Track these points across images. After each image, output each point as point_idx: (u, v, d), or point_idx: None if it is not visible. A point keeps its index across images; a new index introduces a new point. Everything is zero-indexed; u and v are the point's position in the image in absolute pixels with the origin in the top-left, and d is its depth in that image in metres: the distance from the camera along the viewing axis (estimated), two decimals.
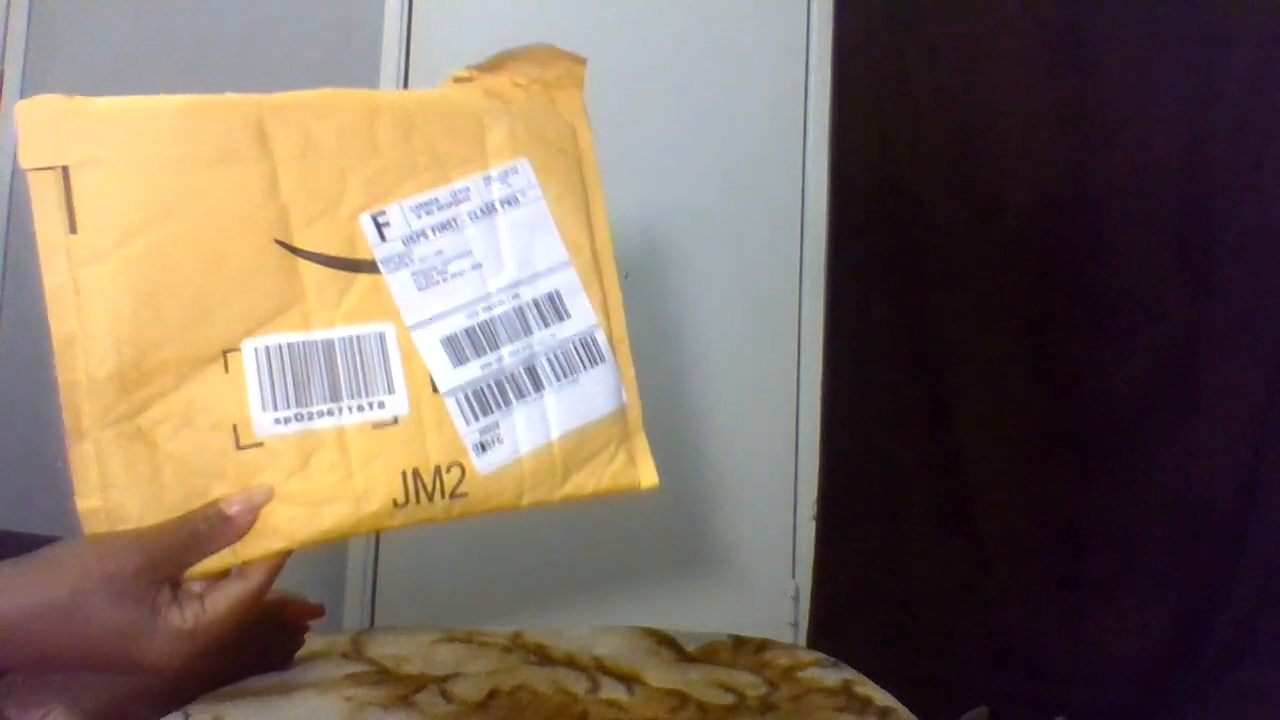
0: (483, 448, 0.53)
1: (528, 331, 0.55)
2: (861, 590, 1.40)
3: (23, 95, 1.62)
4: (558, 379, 0.56)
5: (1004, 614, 1.30)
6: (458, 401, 0.53)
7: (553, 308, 0.57)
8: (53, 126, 0.47)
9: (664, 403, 1.50)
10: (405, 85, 1.46)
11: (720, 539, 1.47)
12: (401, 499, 0.51)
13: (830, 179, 1.49)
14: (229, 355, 0.48)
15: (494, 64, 0.60)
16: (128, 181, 0.48)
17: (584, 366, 0.57)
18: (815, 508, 1.46)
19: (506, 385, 0.54)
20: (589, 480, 0.57)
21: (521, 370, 0.55)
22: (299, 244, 0.51)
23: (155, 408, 0.47)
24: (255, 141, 0.51)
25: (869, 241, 1.44)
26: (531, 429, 0.55)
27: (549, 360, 0.56)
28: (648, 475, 0.59)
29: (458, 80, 0.59)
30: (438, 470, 0.52)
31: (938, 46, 1.40)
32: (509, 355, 0.55)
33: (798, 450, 1.49)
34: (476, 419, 0.53)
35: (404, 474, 0.51)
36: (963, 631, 1.33)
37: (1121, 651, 1.22)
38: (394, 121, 0.54)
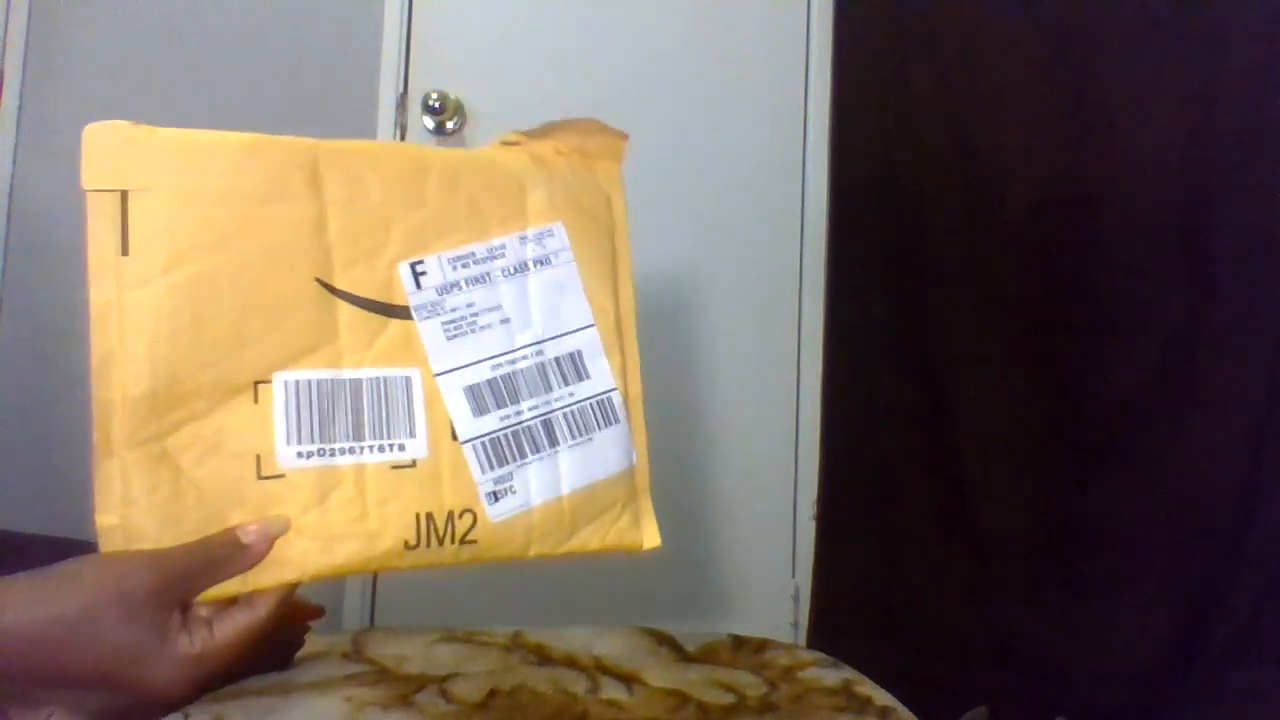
0: (495, 497, 0.55)
1: (548, 388, 0.58)
2: (861, 590, 1.40)
3: (23, 95, 1.62)
4: (573, 436, 0.58)
5: (1004, 614, 1.30)
6: (475, 450, 0.55)
7: (574, 367, 0.59)
8: (117, 151, 0.49)
9: (664, 403, 1.49)
10: (405, 85, 1.46)
11: (720, 539, 1.47)
12: (413, 541, 0.52)
13: (830, 179, 1.49)
14: (259, 387, 0.50)
15: (541, 131, 0.63)
16: (182, 211, 0.49)
17: (599, 426, 0.59)
18: (815, 508, 1.46)
19: (523, 438, 0.56)
20: (594, 537, 0.59)
21: (539, 425, 0.57)
22: (339, 285, 0.52)
23: (183, 431, 0.48)
24: (308, 183, 0.52)
25: (869, 241, 1.44)
26: (544, 482, 0.57)
27: (566, 418, 0.58)
28: (650, 537, 0.62)
29: (505, 143, 0.62)
30: (450, 515, 0.53)
31: (938, 46, 1.40)
32: (528, 410, 0.57)
33: (798, 450, 1.49)
34: (492, 468, 0.55)
35: (418, 516, 0.52)
36: (963, 631, 1.33)
37: (1121, 651, 1.22)
38: (442, 176, 0.57)
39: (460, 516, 0.53)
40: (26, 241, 1.59)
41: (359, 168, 0.54)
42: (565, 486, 0.57)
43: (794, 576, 1.47)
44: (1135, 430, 1.24)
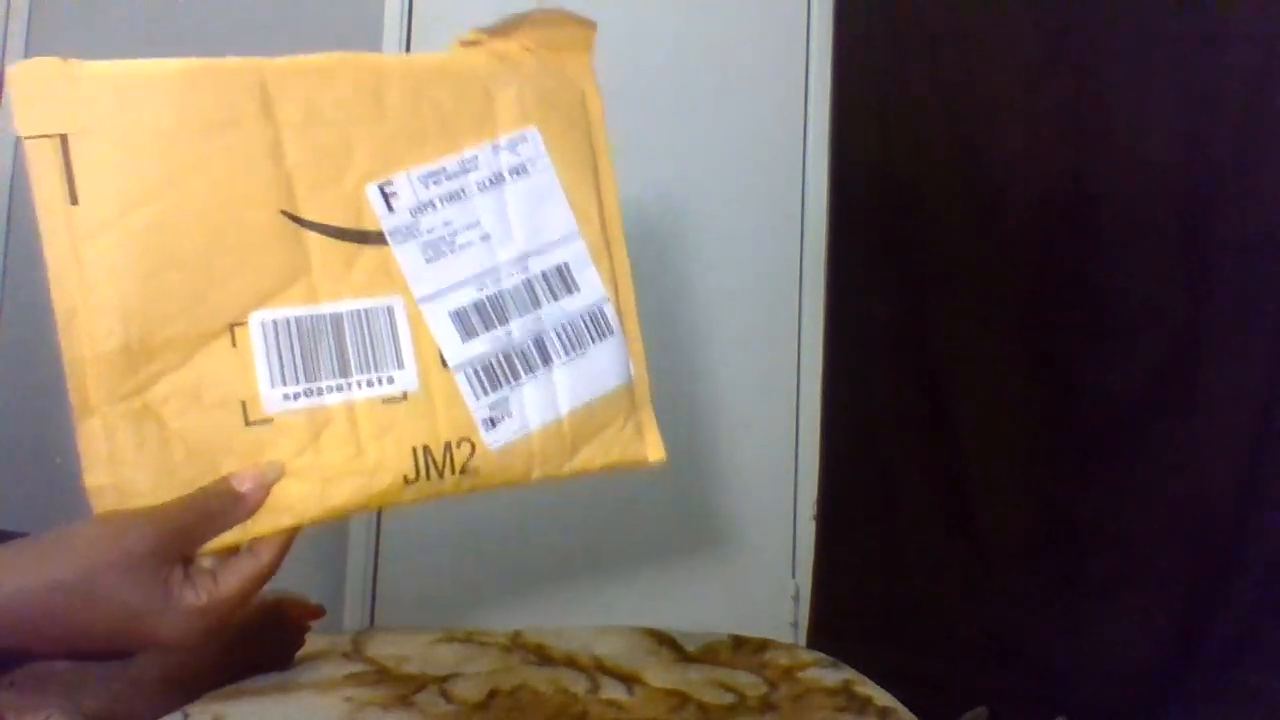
0: (492, 423, 0.52)
1: (536, 305, 0.55)
2: (861, 590, 1.40)
3: None
4: (566, 353, 0.55)
5: (1004, 614, 1.30)
6: (467, 376, 0.52)
7: (561, 280, 0.56)
8: (49, 92, 0.45)
9: (664, 403, 1.50)
10: None
11: (720, 539, 1.47)
12: (412, 475, 0.50)
13: (830, 179, 1.49)
14: (236, 329, 0.47)
15: (502, 28, 0.58)
16: (128, 150, 0.46)
17: (592, 340, 0.56)
18: (815, 508, 1.46)
19: (515, 360, 0.54)
20: (597, 454, 0.56)
21: (530, 344, 0.54)
22: (305, 214, 0.50)
23: (162, 384, 0.46)
24: (259, 107, 0.49)
25: (869, 241, 1.44)
26: (540, 403, 0.54)
27: (557, 334, 0.55)
28: (655, 449, 0.59)
29: (465, 44, 0.59)
30: (448, 446, 0.51)
31: (938, 46, 1.40)
32: (518, 329, 0.54)
33: (798, 450, 1.49)
34: (486, 394, 0.53)
35: (414, 450, 0.50)
36: (963, 631, 1.33)
37: (1122, 651, 1.22)
38: (401, 87, 0.53)
39: (458, 446, 0.51)
40: (26, 241, 1.59)
41: (312, 85, 0.50)
42: (563, 406, 0.55)
43: (794, 576, 1.47)
44: (1135, 430, 1.24)
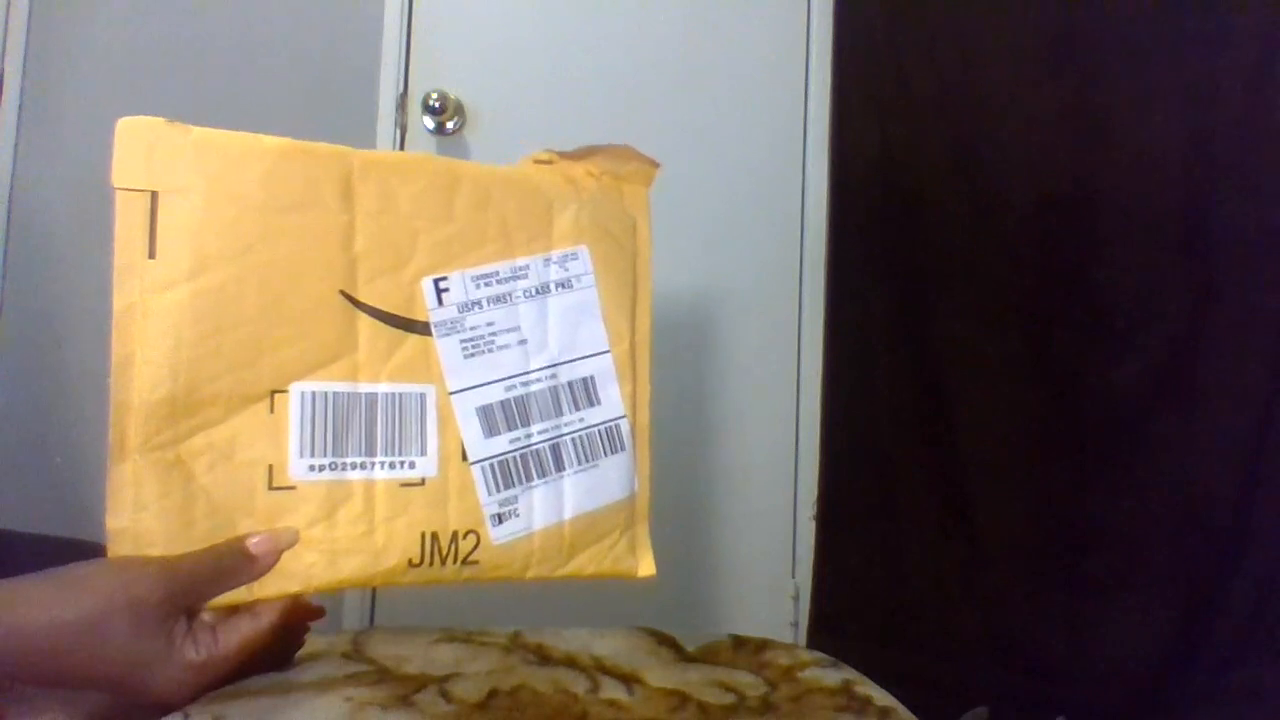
0: (499, 519, 0.55)
1: (559, 412, 0.58)
2: (861, 590, 1.40)
3: (23, 95, 1.62)
4: (579, 462, 0.59)
5: (1004, 614, 1.30)
6: (484, 472, 0.55)
7: (585, 393, 0.60)
8: (149, 149, 0.48)
9: (664, 403, 1.50)
10: (405, 85, 1.45)
11: (720, 539, 1.47)
12: (417, 559, 0.52)
13: (830, 179, 1.49)
14: (276, 396, 0.50)
15: (575, 154, 0.63)
16: (212, 215, 0.49)
17: (605, 453, 0.60)
18: (815, 508, 1.46)
19: (531, 462, 0.57)
20: (590, 562, 0.59)
21: (547, 449, 0.58)
22: (362, 297, 0.52)
23: (198, 438, 0.48)
24: (340, 193, 0.52)
25: (869, 241, 1.44)
26: (547, 507, 0.57)
27: (574, 443, 0.59)
28: (645, 565, 0.62)
29: (537, 161, 0.63)
30: (455, 536, 0.54)
31: (938, 46, 1.40)
32: (538, 433, 0.57)
33: (798, 450, 1.49)
34: (498, 490, 0.55)
35: (423, 535, 0.53)
36: (963, 631, 1.33)
37: (1122, 651, 1.22)
38: (473, 192, 0.57)
39: (464, 537, 0.54)
40: (26, 241, 1.59)
41: (391, 179, 0.54)
42: (568, 511, 0.58)
43: (794, 576, 1.47)
44: (1135, 430, 1.24)
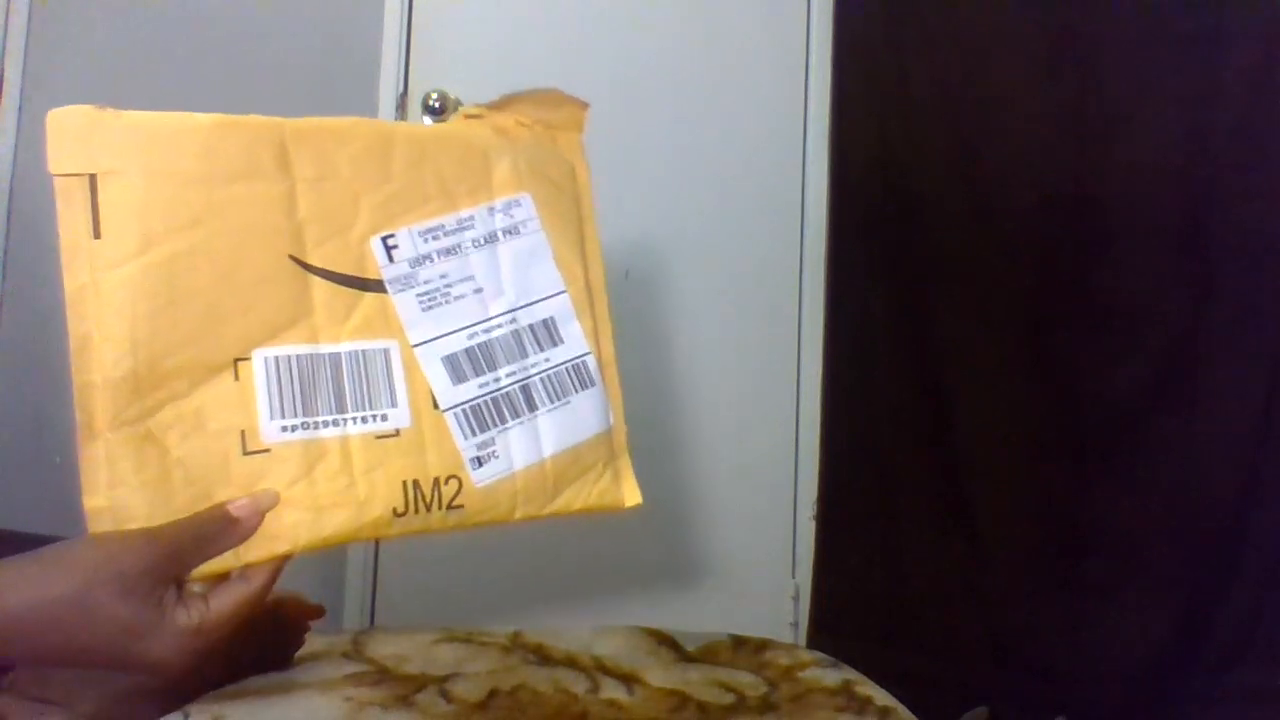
0: (479, 462, 0.55)
1: (524, 355, 0.59)
2: (861, 590, 1.40)
3: (23, 95, 1.62)
4: (551, 400, 0.59)
5: (1004, 614, 1.30)
6: (457, 417, 0.55)
7: (547, 333, 0.60)
8: (83, 135, 0.49)
9: (664, 403, 1.50)
10: (405, 85, 1.46)
11: (720, 539, 1.47)
12: (401, 508, 0.52)
13: (830, 179, 1.49)
14: (239, 364, 0.50)
15: (502, 104, 0.64)
16: (153, 192, 0.49)
17: (575, 390, 0.60)
18: (815, 508, 1.46)
19: (503, 404, 0.57)
20: (577, 497, 0.59)
21: (517, 390, 0.58)
22: (312, 261, 0.53)
23: (166, 411, 0.48)
24: (277, 162, 0.53)
25: (869, 241, 1.44)
26: (525, 446, 0.57)
27: (543, 382, 0.59)
28: (631, 494, 0.62)
29: (468, 116, 0.63)
30: (436, 482, 0.54)
31: (938, 46, 1.40)
32: (506, 376, 0.58)
33: (798, 450, 1.49)
34: (474, 434, 0.56)
35: (404, 484, 0.53)
36: (963, 631, 1.33)
37: (1122, 651, 1.22)
38: (408, 151, 0.57)
39: (446, 482, 0.54)
40: (26, 241, 1.59)
41: (326, 145, 0.55)
42: (546, 449, 0.58)
43: (794, 576, 1.47)
44: (1135, 430, 1.24)
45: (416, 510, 0.53)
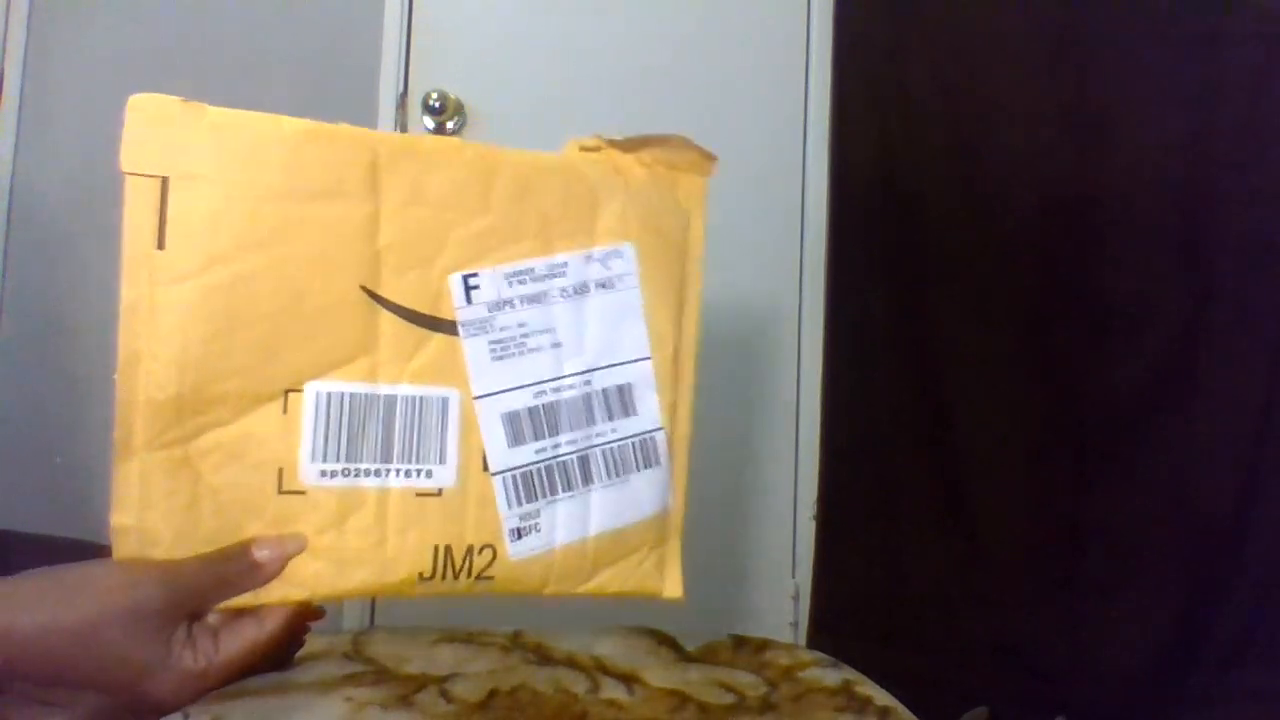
0: (519, 534, 0.52)
1: (590, 422, 0.54)
2: (861, 590, 1.40)
3: (23, 95, 1.62)
4: (609, 476, 0.55)
5: (1004, 614, 1.30)
6: (505, 483, 0.52)
7: (621, 401, 0.56)
8: (161, 131, 0.45)
9: None
10: (405, 85, 1.45)
11: (720, 539, 1.47)
12: (428, 573, 0.50)
13: (830, 179, 1.49)
14: (290, 395, 0.47)
15: (625, 143, 0.58)
16: (227, 204, 0.46)
17: (637, 468, 0.56)
18: (815, 508, 1.46)
19: (557, 474, 0.53)
20: (614, 580, 0.56)
21: (575, 461, 0.54)
22: (384, 293, 0.49)
23: (206, 437, 0.46)
24: (366, 181, 0.48)
25: (869, 241, 1.44)
26: (570, 522, 0.54)
27: (604, 455, 0.55)
28: (673, 586, 0.59)
29: (584, 148, 0.57)
30: (470, 550, 0.51)
31: (938, 46, 1.40)
32: (566, 443, 0.53)
33: (798, 450, 1.49)
34: (519, 504, 0.52)
35: (436, 548, 0.50)
36: (963, 631, 1.33)
37: (1121, 651, 1.22)
38: (511, 181, 0.52)
39: (480, 552, 0.51)
40: (26, 241, 1.59)
41: (421, 167, 0.50)
42: (593, 528, 0.54)
43: (794, 576, 1.47)
44: (1135, 430, 1.24)
45: (443, 577, 0.50)
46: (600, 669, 0.62)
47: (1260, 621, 1.16)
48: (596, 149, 0.57)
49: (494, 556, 0.51)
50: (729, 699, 0.58)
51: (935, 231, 1.38)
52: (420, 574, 0.50)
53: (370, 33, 1.46)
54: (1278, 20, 1.18)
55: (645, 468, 0.56)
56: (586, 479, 0.54)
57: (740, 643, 0.69)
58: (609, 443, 0.55)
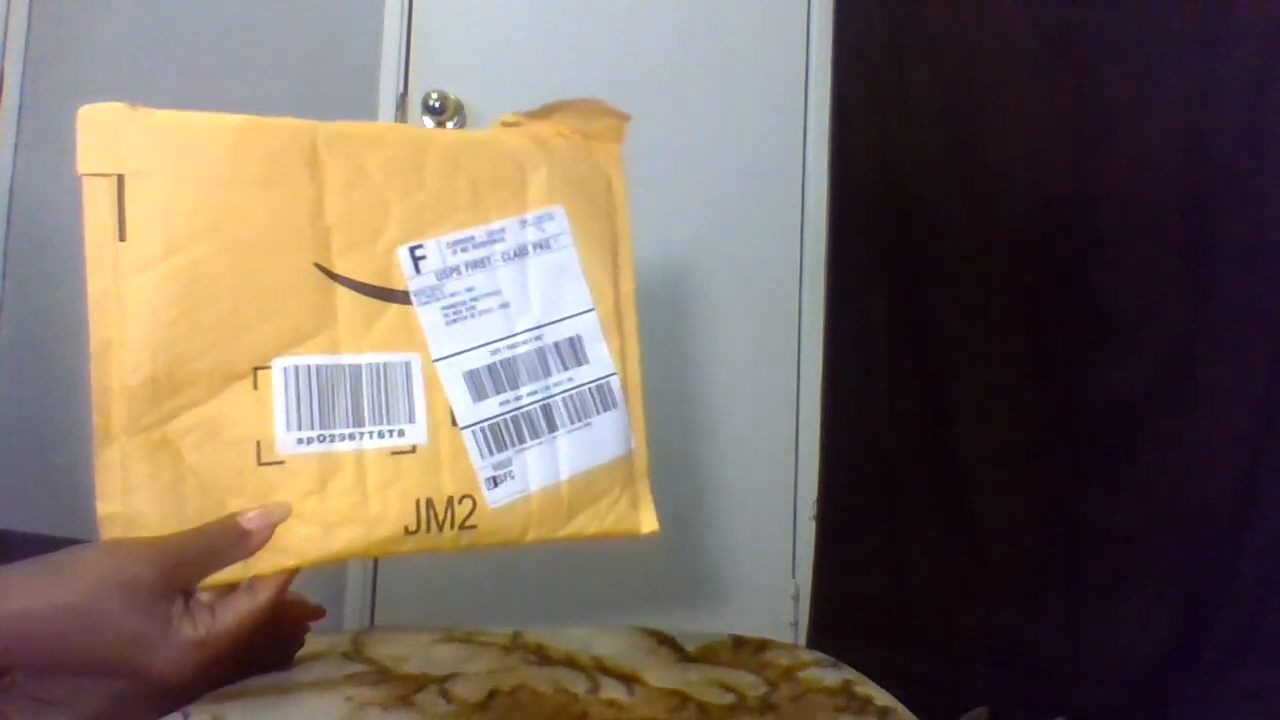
0: (494, 482, 0.55)
1: (547, 373, 0.57)
2: (861, 590, 1.40)
3: (23, 95, 1.62)
4: (572, 422, 0.58)
5: (1004, 614, 1.30)
6: (475, 436, 0.54)
7: (572, 352, 0.59)
8: (112, 134, 0.48)
9: (664, 402, 1.50)
10: (405, 85, 1.46)
11: (720, 539, 1.47)
12: (413, 526, 0.52)
13: (830, 179, 1.49)
14: (259, 373, 0.50)
15: (542, 112, 0.62)
16: (180, 195, 0.49)
17: (597, 411, 0.59)
18: (815, 508, 1.46)
19: (523, 424, 0.56)
20: (591, 521, 0.58)
21: (538, 410, 0.57)
22: (338, 269, 0.52)
23: (183, 418, 0.48)
24: (307, 166, 0.52)
25: (869, 241, 1.44)
26: (542, 468, 0.56)
27: (565, 403, 0.58)
28: (648, 521, 0.61)
29: (505, 124, 0.62)
30: (450, 501, 0.53)
31: (938, 46, 1.40)
32: (527, 395, 0.56)
33: (798, 450, 1.49)
34: (491, 454, 0.55)
35: (418, 502, 0.52)
36: (963, 631, 1.33)
37: (1122, 651, 1.22)
38: (442, 158, 0.56)
39: (460, 502, 0.53)
40: (26, 241, 1.59)
41: (358, 150, 0.54)
42: (564, 472, 0.57)
43: (794, 576, 1.47)
44: (1135, 430, 1.24)
45: (428, 529, 0.52)
46: (600, 669, 0.62)
47: (1260, 621, 1.16)
48: (517, 124, 0.62)
49: (474, 506, 0.54)
50: (729, 699, 0.58)
51: (935, 231, 1.39)
52: (406, 528, 0.52)
53: (370, 33, 1.47)
54: (1278, 20, 1.18)
55: (604, 411, 0.59)
56: (551, 425, 0.57)
57: (740, 643, 0.69)
58: (567, 390, 0.58)
